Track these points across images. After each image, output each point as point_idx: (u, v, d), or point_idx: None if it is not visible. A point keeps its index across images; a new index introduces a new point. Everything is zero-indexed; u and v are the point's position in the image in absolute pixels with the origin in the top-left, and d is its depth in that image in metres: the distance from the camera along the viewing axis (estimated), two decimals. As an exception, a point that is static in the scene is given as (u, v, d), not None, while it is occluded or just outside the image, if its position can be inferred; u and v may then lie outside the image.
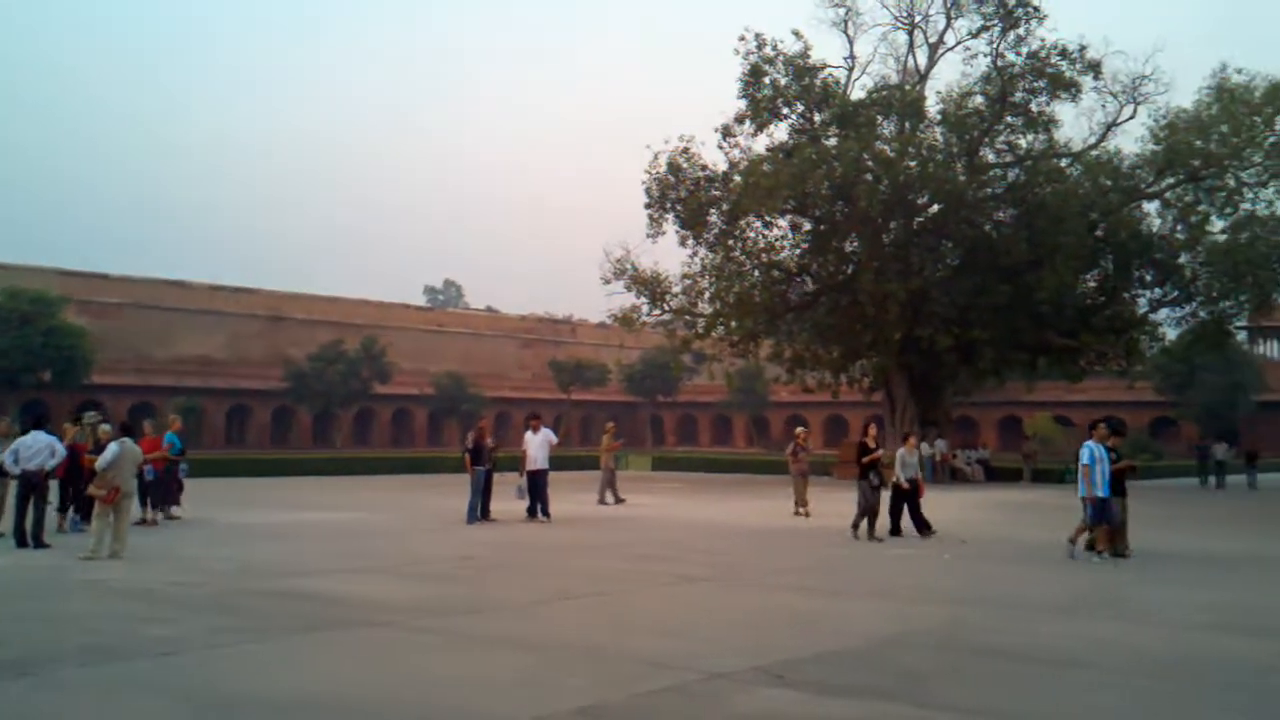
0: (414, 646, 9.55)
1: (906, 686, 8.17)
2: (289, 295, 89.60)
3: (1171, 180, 42.59)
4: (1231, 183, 41.70)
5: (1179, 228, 43.08)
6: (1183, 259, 43.04)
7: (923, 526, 20.13)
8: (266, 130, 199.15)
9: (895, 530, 20.19)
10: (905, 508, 20.39)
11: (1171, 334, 46.79)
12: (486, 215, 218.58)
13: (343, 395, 75.80)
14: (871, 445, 19.88)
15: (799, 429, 28.30)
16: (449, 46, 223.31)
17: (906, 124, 41.44)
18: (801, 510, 24.87)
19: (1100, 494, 16.30)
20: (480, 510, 21.95)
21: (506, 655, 9.23)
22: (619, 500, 27.38)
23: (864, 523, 19.56)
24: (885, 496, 20.24)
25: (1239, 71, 41.64)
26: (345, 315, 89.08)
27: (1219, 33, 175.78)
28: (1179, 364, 60.39)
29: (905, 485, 20.38)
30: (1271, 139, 40.61)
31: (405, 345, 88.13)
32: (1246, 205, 41.98)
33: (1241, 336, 65.21)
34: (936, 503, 30.46)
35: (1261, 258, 40.29)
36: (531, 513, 22.45)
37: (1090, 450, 16.57)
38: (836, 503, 25.49)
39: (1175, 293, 43.83)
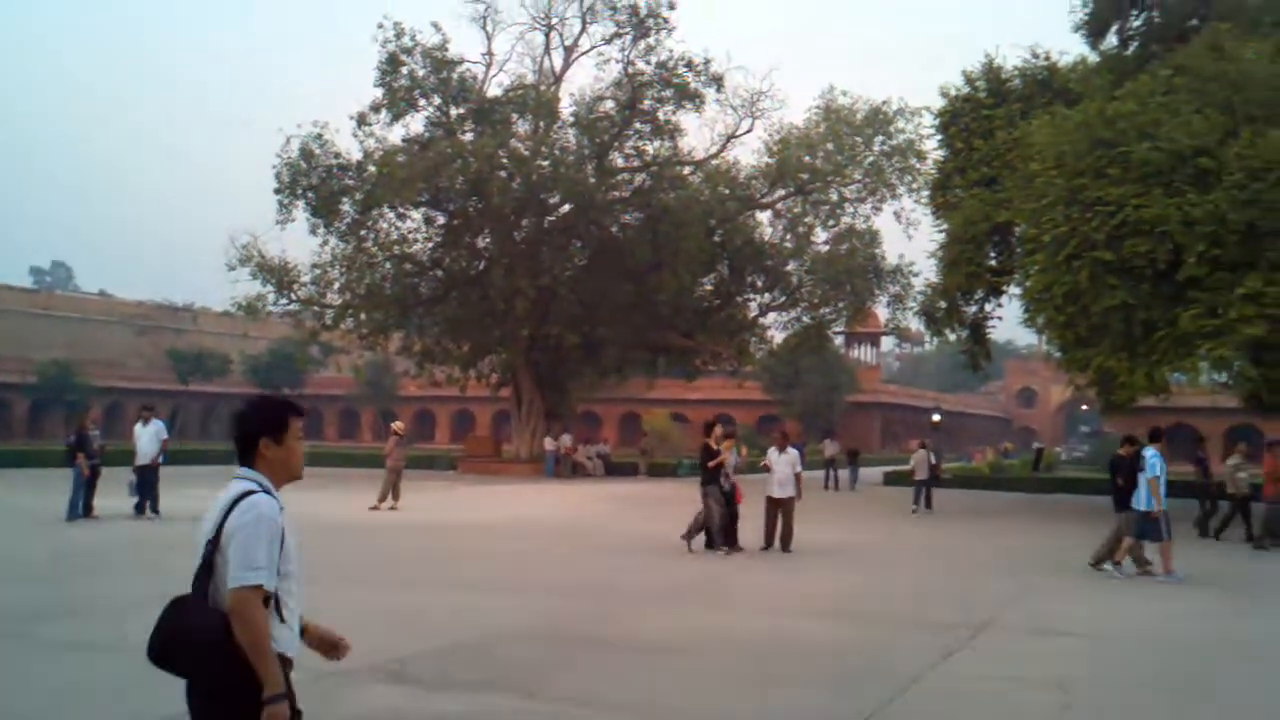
0: (-1, 654, 8.95)
1: (517, 678, 8.42)
2: None
3: (783, 192, 45.43)
4: (835, 197, 44.95)
5: (788, 237, 45.97)
6: (791, 266, 45.99)
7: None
8: None
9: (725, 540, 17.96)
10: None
11: (778, 337, 49.89)
12: (104, 196, 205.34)
13: (-72, 381, 69.12)
14: (715, 447, 17.89)
15: (396, 423, 27.98)
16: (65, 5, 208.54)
17: (541, 124, 42.09)
18: (388, 504, 24.61)
19: (1162, 507, 15.42)
20: (82, 507, 20.66)
21: (99, 660, 8.83)
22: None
23: (705, 535, 17.82)
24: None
25: (844, 93, 44.95)
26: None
27: (832, 55, 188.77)
28: (784, 365, 64.37)
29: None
30: (870, 158, 44.02)
31: (4, 328, 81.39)
32: (847, 219, 45.35)
33: (839, 341, 70.25)
34: (559, 495, 31.44)
35: (859, 268, 43.67)
36: (139, 509, 21.35)
37: (1159, 460, 15.58)
38: (452, 496, 25.62)
39: (783, 298, 46.79)
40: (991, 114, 31.13)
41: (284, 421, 3.98)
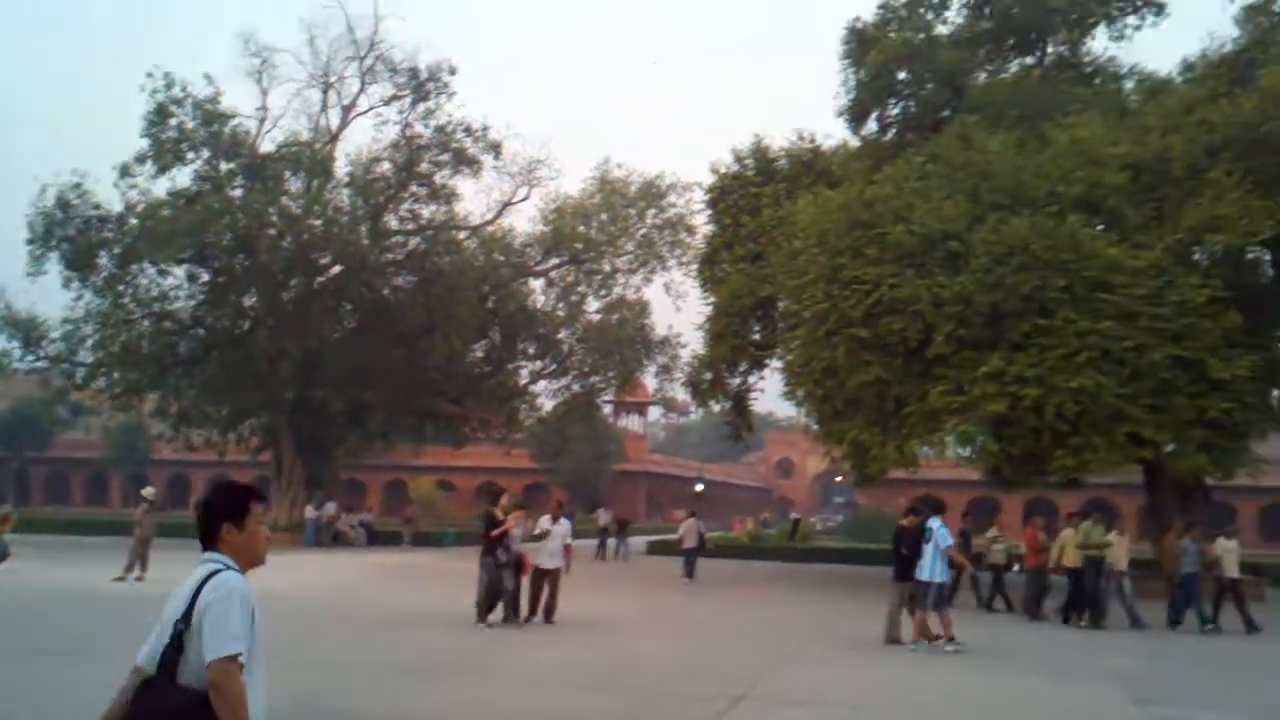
0: None
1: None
2: None
3: (556, 260, 45.80)
4: (607, 267, 45.58)
5: (560, 305, 46.31)
6: (562, 335, 46.29)
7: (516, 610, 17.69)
8: None
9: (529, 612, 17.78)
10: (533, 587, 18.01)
11: (548, 404, 49.99)
12: None
13: None
14: (500, 516, 17.33)
15: (147, 489, 26.64)
16: None
17: (314, 182, 41.17)
18: (134, 575, 23.43)
19: (944, 578, 15.95)
20: None
21: None
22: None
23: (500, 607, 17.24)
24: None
25: (620, 166, 45.75)
26: None
27: (604, 128, 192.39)
28: (552, 433, 64.46)
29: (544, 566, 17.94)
30: (643, 230, 44.87)
31: None
32: (619, 289, 46.04)
33: (608, 410, 70.91)
34: (319, 565, 30.50)
35: (629, 338, 44.32)
36: None
37: (948, 531, 16.09)
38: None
39: (554, 366, 46.99)
40: (759, 192, 32.24)
41: (245, 507, 4.08)
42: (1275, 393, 29.03)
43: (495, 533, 17.15)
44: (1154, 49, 34.55)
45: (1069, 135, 26.49)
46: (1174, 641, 18.75)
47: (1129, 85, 33.50)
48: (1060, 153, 26.19)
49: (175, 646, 3.79)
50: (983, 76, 33.08)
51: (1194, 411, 24.35)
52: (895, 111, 34.42)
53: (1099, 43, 34.72)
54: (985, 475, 30.80)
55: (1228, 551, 20.61)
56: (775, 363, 32.62)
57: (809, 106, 50.74)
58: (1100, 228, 26.01)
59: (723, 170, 34.01)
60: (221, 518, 4.01)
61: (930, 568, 15.80)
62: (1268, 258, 28.48)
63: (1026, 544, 22.39)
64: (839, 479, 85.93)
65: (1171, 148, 25.91)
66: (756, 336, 32.56)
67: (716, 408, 36.26)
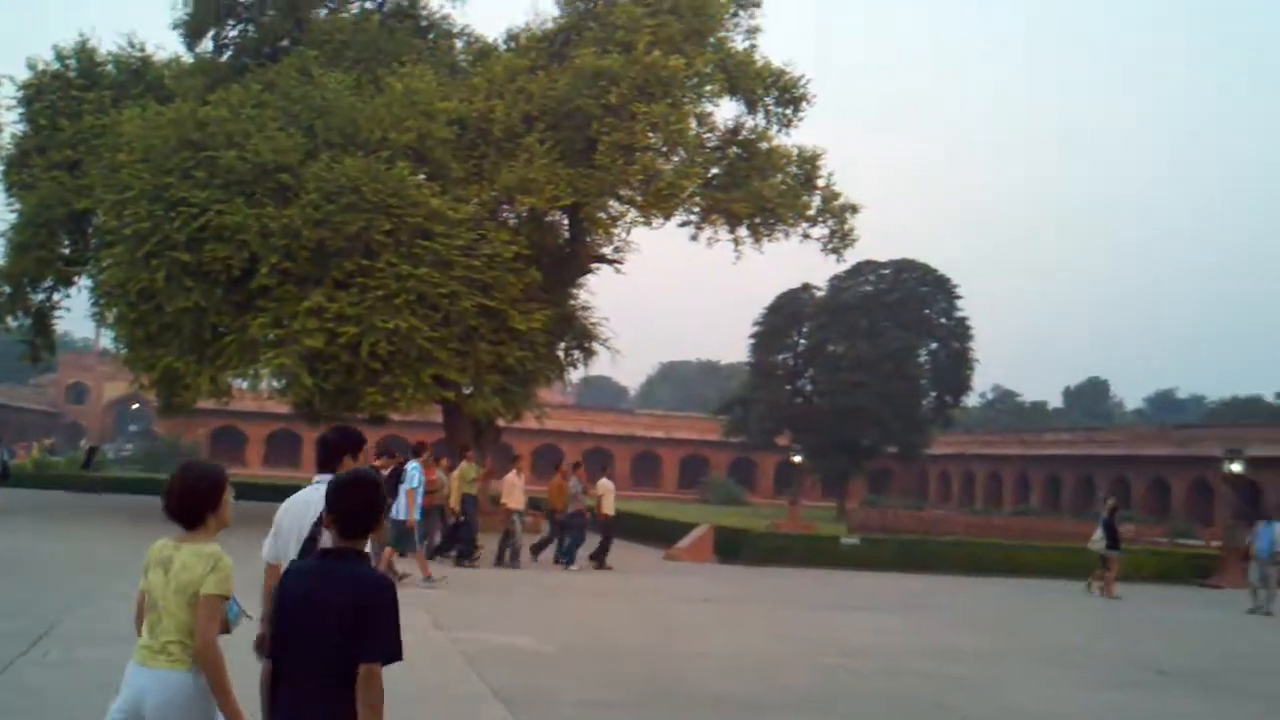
0: None
1: None
2: None
3: None
4: None
5: None
6: None
7: None
8: None
9: None
10: None
11: None
12: None
13: None
14: None
15: None
16: None
17: None
18: None
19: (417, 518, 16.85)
20: None
21: None
22: None
23: None
24: None
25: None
26: None
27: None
28: None
29: None
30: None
31: None
32: None
33: None
34: None
35: None
36: None
37: (419, 473, 16.96)
38: None
39: None
40: (82, 96, 29.98)
41: (362, 443, 5.43)
42: (562, 344, 32.29)
43: None
44: (484, 15, 36.67)
45: (403, 84, 27.53)
46: (533, 575, 20.35)
47: (459, 45, 35.16)
48: (394, 100, 27.16)
49: (312, 539, 4.92)
50: (324, 13, 33.05)
51: (493, 358, 26.66)
52: (234, 33, 33.40)
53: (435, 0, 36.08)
54: (295, 409, 31.17)
55: (608, 491, 22.59)
56: (85, 280, 30.64)
57: (143, 12, 47.77)
58: (425, 177, 27.42)
59: (41, 67, 31.15)
60: (344, 451, 5.27)
61: (403, 507, 16.52)
62: (566, 222, 31.55)
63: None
64: (136, 406, 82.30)
65: (494, 110, 27.91)
66: (66, 251, 30.36)
67: (14, 324, 33.21)
